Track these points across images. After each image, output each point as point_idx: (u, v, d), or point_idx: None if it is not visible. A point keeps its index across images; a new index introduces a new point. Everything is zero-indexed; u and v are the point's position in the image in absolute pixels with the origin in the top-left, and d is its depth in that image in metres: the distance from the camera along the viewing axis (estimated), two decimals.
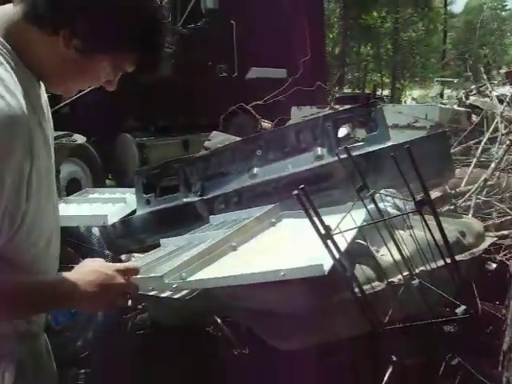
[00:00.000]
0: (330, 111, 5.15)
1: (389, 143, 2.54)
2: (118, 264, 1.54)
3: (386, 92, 27.04)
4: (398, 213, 1.92)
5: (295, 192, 1.50)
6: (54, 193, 1.45)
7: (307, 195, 1.52)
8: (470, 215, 3.00)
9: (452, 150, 4.34)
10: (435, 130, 5.26)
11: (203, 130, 7.29)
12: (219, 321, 2.43)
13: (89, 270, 1.45)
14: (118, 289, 1.46)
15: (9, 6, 1.31)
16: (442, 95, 13.71)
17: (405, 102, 13.01)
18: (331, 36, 23.10)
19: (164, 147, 7.76)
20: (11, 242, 1.29)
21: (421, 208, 1.62)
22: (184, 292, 1.97)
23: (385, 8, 23.64)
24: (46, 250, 1.43)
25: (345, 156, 1.90)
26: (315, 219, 1.55)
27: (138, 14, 1.31)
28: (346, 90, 22.93)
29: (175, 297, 1.97)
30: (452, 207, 3.19)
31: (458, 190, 3.38)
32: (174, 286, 1.84)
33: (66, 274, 1.44)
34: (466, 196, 3.23)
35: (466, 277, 2.27)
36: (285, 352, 1.95)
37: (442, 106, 6.52)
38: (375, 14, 23.73)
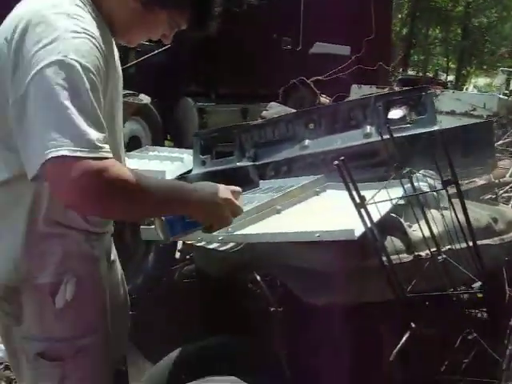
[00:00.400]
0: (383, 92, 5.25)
1: (435, 127, 2.67)
2: (230, 186, 1.68)
3: (451, 77, 26.58)
4: (432, 192, 2.07)
5: (336, 162, 1.67)
6: (116, 129, 1.66)
7: (347, 167, 1.68)
8: (510, 205, 3.11)
9: (503, 141, 4.43)
10: (492, 119, 5.31)
11: (263, 100, 7.42)
12: (258, 278, 2.62)
13: (210, 184, 1.62)
14: (232, 205, 1.63)
15: None
16: (508, 85, 13.46)
17: (466, 89, 12.81)
18: (400, 16, 22.77)
19: (223, 114, 7.92)
20: None
21: (446, 187, 1.77)
22: (229, 245, 2.17)
23: None
24: None
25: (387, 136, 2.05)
26: (352, 189, 1.72)
27: None
28: (411, 72, 22.65)
29: (221, 249, 2.18)
30: (494, 196, 3.30)
31: (501, 180, 3.49)
32: (220, 238, 2.04)
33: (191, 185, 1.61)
34: (508, 187, 3.34)
35: (495, 262, 2.41)
36: (313, 313, 2.15)
37: (501, 96, 6.53)
38: None
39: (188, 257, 3.10)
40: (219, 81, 8.25)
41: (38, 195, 1.52)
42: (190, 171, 3.17)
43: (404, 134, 2.60)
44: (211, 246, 2.20)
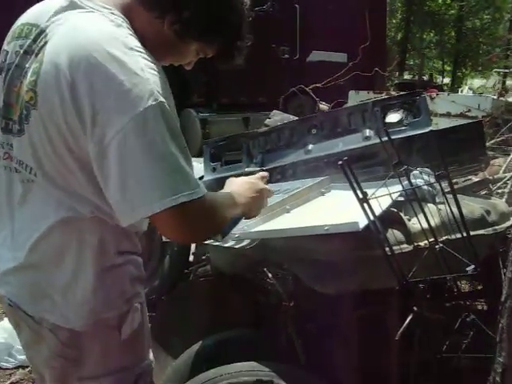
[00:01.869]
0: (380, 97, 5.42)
1: (428, 129, 2.85)
2: (256, 175, 1.87)
3: (447, 80, 26.74)
4: (427, 187, 2.25)
5: (340, 162, 1.85)
6: None
7: (349, 166, 1.86)
8: (504, 200, 3.28)
9: (496, 140, 4.62)
10: (484, 118, 5.51)
11: (263, 109, 7.59)
12: (270, 275, 2.80)
13: (241, 182, 1.77)
14: (265, 192, 1.82)
15: None
16: (503, 86, 13.61)
17: (461, 91, 12.97)
18: (394, 21, 23.00)
19: (225, 123, 8.08)
20: None
21: (439, 180, 1.96)
22: (244, 243, 2.33)
23: None
24: None
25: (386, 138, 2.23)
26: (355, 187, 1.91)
27: (229, 13, 1.55)
28: (407, 76, 22.85)
29: (236, 246, 2.34)
30: (488, 192, 3.48)
31: (495, 176, 3.66)
32: (236, 235, 2.21)
33: (228, 189, 1.71)
34: (502, 182, 3.52)
35: (489, 250, 2.59)
36: (322, 303, 2.33)
37: (494, 97, 6.70)
38: (440, 0, 23.54)
39: (203, 257, 3.27)
40: (220, 91, 8.40)
41: (106, 232, 1.49)
42: (201, 178, 3.33)
43: (401, 136, 2.78)
44: (227, 245, 2.37)
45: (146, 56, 1.39)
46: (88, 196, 1.44)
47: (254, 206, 1.78)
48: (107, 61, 1.31)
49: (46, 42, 1.43)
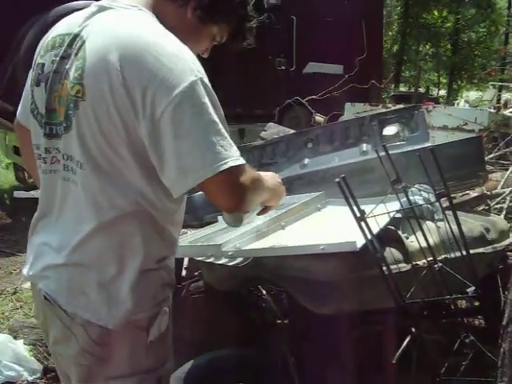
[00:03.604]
0: (378, 111, 5.37)
1: (427, 144, 2.80)
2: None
3: (443, 92, 26.77)
4: (427, 204, 2.20)
5: (337, 180, 1.80)
6: None
7: (347, 183, 1.81)
8: (502, 216, 3.23)
9: (494, 154, 4.57)
10: (482, 133, 5.46)
11: (259, 120, 7.54)
12: (264, 292, 2.74)
13: (262, 172, 1.74)
14: (283, 188, 1.85)
15: None
16: (498, 99, 13.63)
17: (458, 103, 12.96)
18: (390, 33, 23.07)
19: None
20: None
21: (439, 199, 1.90)
22: (238, 260, 2.27)
23: (446, 8, 23.43)
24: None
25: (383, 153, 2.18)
26: (353, 204, 1.85)
27: None
28: (402, 88, 22.88)
29: (230, 264, 2.29)
30: (487, 208, 3.43)
31: (493, 191, 3.61)
32: (229, 253, 2.16)
33: None
34: (500, 198, 3.46)
35: (489, 269, 2.53)
36: (317, 323, 2.27)
37: (491, 110, 6.66)
38: (436, 13, 23.61)
39: (196, 274, 3.20)
40: None
41: (147, 233, 1.55)
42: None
43: (399, 151, 2.73)
44: (220, 262, 2.31)
45: (179, 41, 1.50)
46: (135, 181, 1.51)
47: (276, 194, 1.82)
48: (149, 46, 1.43)
49: (83, 42, 1.53)
